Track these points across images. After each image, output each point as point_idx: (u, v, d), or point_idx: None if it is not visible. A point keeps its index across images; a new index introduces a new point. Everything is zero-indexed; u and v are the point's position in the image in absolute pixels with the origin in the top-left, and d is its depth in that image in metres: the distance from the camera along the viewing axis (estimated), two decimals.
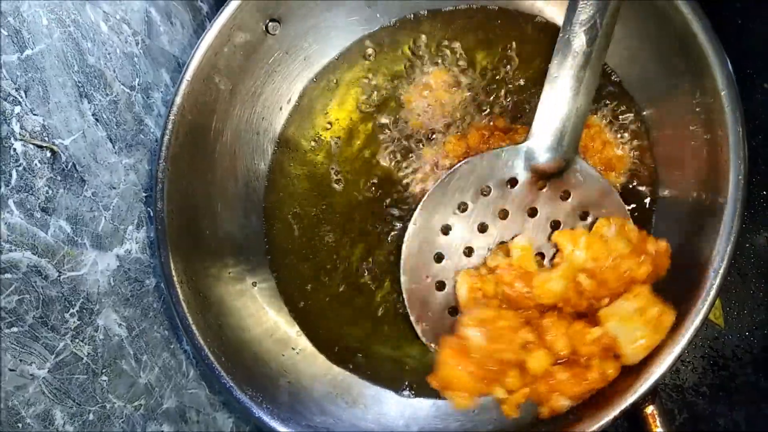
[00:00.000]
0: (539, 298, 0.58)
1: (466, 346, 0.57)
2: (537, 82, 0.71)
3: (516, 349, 0.57)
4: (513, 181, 0.63)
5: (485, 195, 0.63)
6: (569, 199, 0.62)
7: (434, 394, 0.66)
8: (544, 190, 0.62)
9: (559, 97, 0.59)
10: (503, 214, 0.63)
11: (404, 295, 0.64)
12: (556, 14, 0.71)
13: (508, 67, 0.72)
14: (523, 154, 0.62)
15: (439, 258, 0.64)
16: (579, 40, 0.57)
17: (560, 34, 0.59)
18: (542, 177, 0.62)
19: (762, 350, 0.71)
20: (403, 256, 0.64)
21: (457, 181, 0.63)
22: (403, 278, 0.64)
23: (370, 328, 0.72)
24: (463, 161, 0.63)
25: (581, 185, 0.61)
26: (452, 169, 0.63)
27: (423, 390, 0.69)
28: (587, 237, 0.59)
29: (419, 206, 0.64)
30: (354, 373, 0.72)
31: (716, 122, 0.58)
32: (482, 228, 0.63)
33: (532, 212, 0.63)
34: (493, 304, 0.60)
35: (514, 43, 0.73)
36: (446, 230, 0.64)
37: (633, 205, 0.68)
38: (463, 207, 0.64)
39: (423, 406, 0.70)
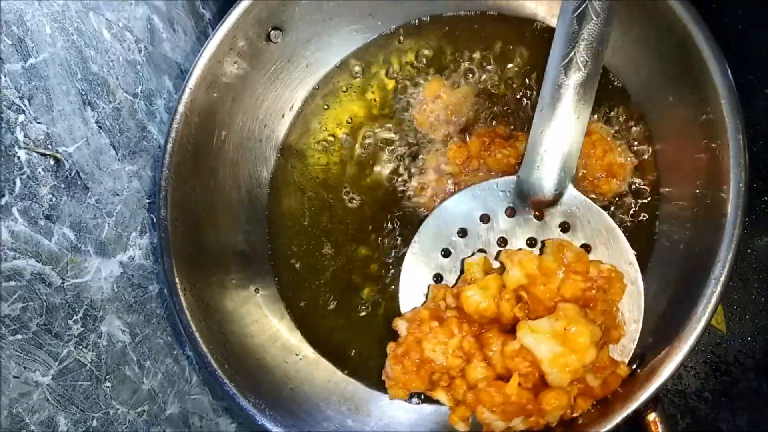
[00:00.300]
0: (467, 309, 0.59)
1: (406, 348, 0.60)
2: (537, 88, 0.71)
3: (452, 357, 0.59)
4: (510, 211, 0.64)
5: (484, 222, 0.65)
6: (569, 231, 0.63)
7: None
8: (542, 220, 0.63)
9: (550, 131, 0.60)
10: (502, 242, 0.65)
11: (401, 309, 0.66)
12: (554, 19, 0.71)
13: (509, 73, 0.72)
14: (517, 185, 0.63)
15: (437, 278, 0.66)
16: (569, 77, 0.58)
17: (547, 69, 0.60)
18: (538, 207, 0.63)
19: (764, 355, 0.71)
20: (402, 276, 0.67)
21: (456, 208, 0.65)
22: (401, 296, 0.66)
23: (373, 335, 0.72)
24: (461, 191, 0.65)
25: (578, 215, 0.62)
26: (449, 198, 0.65)
27: (430, 397, 0.69)
28: (520, 256, 0.60)
29: (421, 228, 0.66)
30: (357, 380, 0.72)
31: (717, 130, 0.58)
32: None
33: (531, 242, 0.64)
34: (451, 314, 0.61)
35: (513, 48, 0.73)
36: (446, 253, 0.66)
37: (634, 212, 0.68)
38: (462, 233, 0.65)
39: (426, 412, 0.70)
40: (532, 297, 0.59)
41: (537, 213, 0.63)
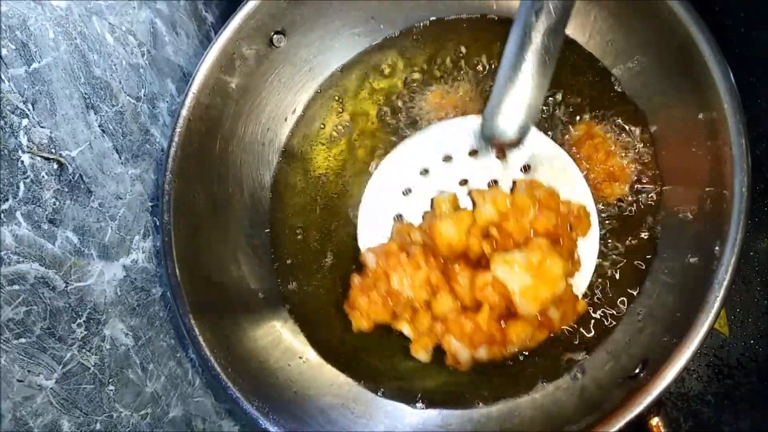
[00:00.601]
0: (439, 243, 0.61)
1: (373, 279, 0.63)
2: None
3: (419, 289, 0.61)
4: (474, 152, 0.65)
5: (448, 162, 0.66)
6: (530, 173, 0.64)
7: (443, 404, 0.67)
8: (505, 161, 0.64)
9: (518, 73, 0.60)
10: (464, 183, 0.66)
11: (359, 244, 0.67)
12: None
13: None
14: (481, 126, 0.64)
15: (398, 218, 0.67)
16: (539, 21, 0.58)
17: (518, 13, 0.59)
18: (501, 148, 0.64)
19: (767, 358, 0.71)
20: (360, 215, 0.68)
21: (420, 146, 0.66)
22: (359, 233, 0.68)
23: (377, 339, 0.72)
24: (424, 129, 0.67)
25: (541, 157, 0.64)
26: (416, 133, 0.66)
27: (435, 402, 0.70)
28: (493, 194, 0.62)
29: (381, 163, 0.67)
30: (361, 384, 0.72)
31: (719, 134, 0.58)
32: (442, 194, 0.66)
33: (493, 183, 0.66)
34: (417, 249, 0.63)
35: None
36: (407, 192, 0.67)
37: (637, 216, 0.68)
38: (424, 172, 0.66)
39: (429, 415, 0.70)
40: (503, 233, 0.61)
41: (499, 154, 0.64)
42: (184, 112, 0.65)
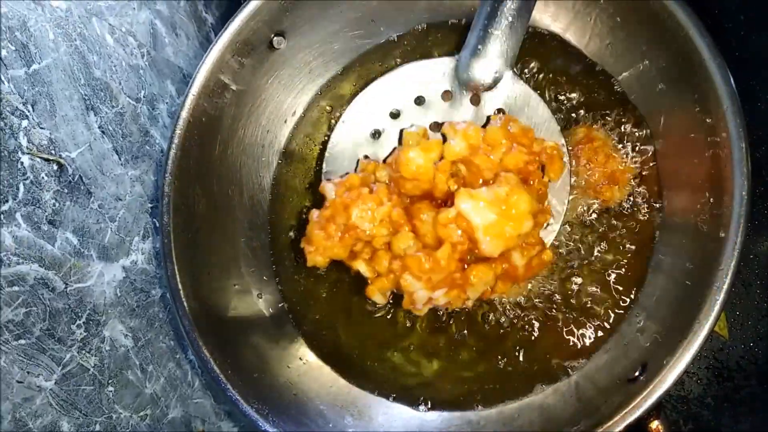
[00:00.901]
0: (405, 172, 0.59)
1: (332, 212, 0.60)
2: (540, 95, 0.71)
3: (379, 225, 0.59)
4: (447, 94, 0.64)
5: (419, 105, 0.64)
6: (501, 116, 0.62)
7: (445, 406, 0.67)
8: (478, 105, 0.63)
9: (496, 13, 0.59)
10: (436, 127, 0.64)
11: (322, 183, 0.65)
12: (558, 27, 0.71)
13: None
14: (456, 68, 0.62)
15: (365, 158, 0.66)
16: None
17: None
18: (476, 90, 0.62)
19: (767, 361, 0.71)
20: (327, 156, 0.67)
21: (391, 87, 0.65)
22: (324, 169, 0.67)
23: (377, 341, 0.72)
24: (397, 68, 0.65)
25: (514, 102, 0.62)
26: (387, 73, 0.65)
27: (438, 404, 0.70)
28: (465, 127, 0.59)
29: (350, 105, 0.66)
30: (360, 386, 0.72)
31: (720, 138, 0.58)
32: None
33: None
34: (381, 186, 0.61)
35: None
36: (376, 135, 0.66)
37: (636, 218, 0.68)
38: (394, 114, 0.65)
39: (429, 417, 0.70)
40: (471, 169, 0.59)
41: (474, 98, 0.63)
42: (183, 114, 0.65)
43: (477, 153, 0.58)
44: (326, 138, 0.74)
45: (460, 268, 0.57)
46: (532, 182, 0.59)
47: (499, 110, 0.63)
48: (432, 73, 0.64)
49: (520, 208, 0.55)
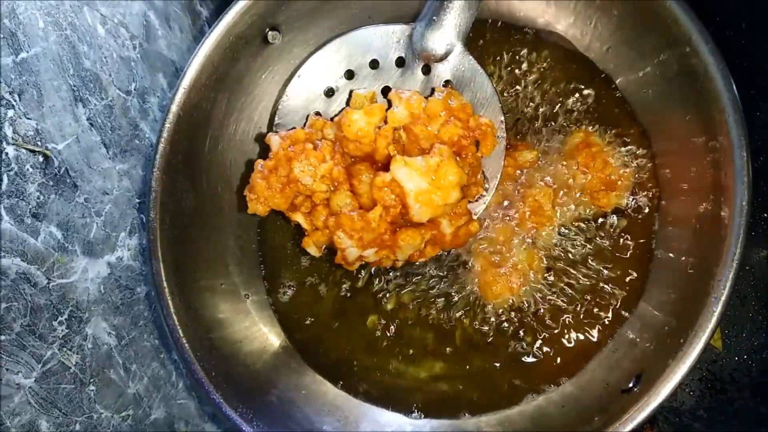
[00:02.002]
0: (347, 133, 0.61)
1: (275, 163, 0.62)
2: (540, 97, 0.71)
3: (320, 181, 0.61)
4: (400, 61, 0.66)
5: (373, 68, 0.67)
6: (444, 90, 0.64)
7: (435, 414, 0.67)
8: (428, 75, 0.65)
9: None
10: (385, 91, 0.67)
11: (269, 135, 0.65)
12: (559, 27, 0.71)
13: (509, 80, 0.72)
14: (412, 34, 0.64)
15: (316, 115, 0.68)
16: None
17: None
18: (427, 60, 0.64)
19: (760, 374, 0.70)
20: (280, 107, 0.68)
21: (348, 48, 0.67)
22: (276, 122, 0.68)
23: (364, 346, 0.71)
24: (354, 30, 0.66)
25: (462, 75, 0.65)
26: (347, 33, 0.66)
27: (428, 411, 0.69)
28: (409, 96, 0.62)
29: (308, 61, 0.67)
30: (347, 391, 0.71)
31: (720, 146, 0.58)
32: None
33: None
34: (325, 143, 0.63)
35: (515, 56, 0.72)
36: (329, 93, 0.68)
37: (633, 227, 0.67)
38: (349, 75, 0.67)
39: (419, 424, 0.69)
40: (411, 137, 0.62)
41: (425, 68, 0.65)
42: (174, 108, 0.64)
43: (417, 122, 0.61)
44: None
45: (390, 231, 0.61)
46: (465, 156, 0.62)
47: (447, 82, 0.65)
48: (389, 39, 0.66)
49: (448, 179, 0.58)
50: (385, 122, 0.62)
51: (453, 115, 0.62)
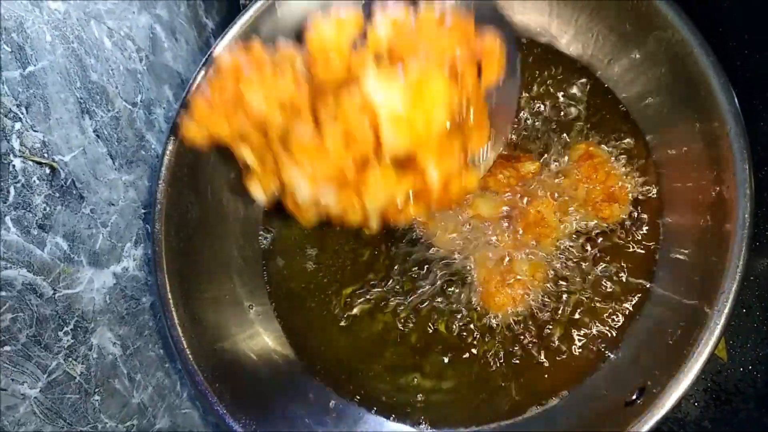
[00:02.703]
0: (312, 47, 0.50)
1: (221, 80, 0.50)
2: (543, 108, 0.71)
3: (275, 108, 0.49)
4: None
5: None
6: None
7: (438, 425, 0.67)
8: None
9: None
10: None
11: None
12: (553, 38, 0.71)
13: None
14: None
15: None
16: None
17: None
18: None
19: (765, 385, 0.70)
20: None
21: None
22: None
23: (370, 356, 0.71)
24: None
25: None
26: None
27: (431, 422, 0.69)
28: (396, 15, 0.50)
29: None
30: (351, 401, 0.71)
31: (722, 158, 0.58)
32: None
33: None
34: (287, 66, 0.52)
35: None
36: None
37: (636, 239, 0.67)
38: None
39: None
40: (395, 56, 0.49)
41: None
42: (179, 120, 0.64)
43: (403, 37, 0.49)
44: None
45: (356, 168, 0.48)
46: (462, 81, 0.49)
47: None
48: None
49: (433, 94, 0.45)
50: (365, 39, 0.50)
51: (450, 30, 0.49)
